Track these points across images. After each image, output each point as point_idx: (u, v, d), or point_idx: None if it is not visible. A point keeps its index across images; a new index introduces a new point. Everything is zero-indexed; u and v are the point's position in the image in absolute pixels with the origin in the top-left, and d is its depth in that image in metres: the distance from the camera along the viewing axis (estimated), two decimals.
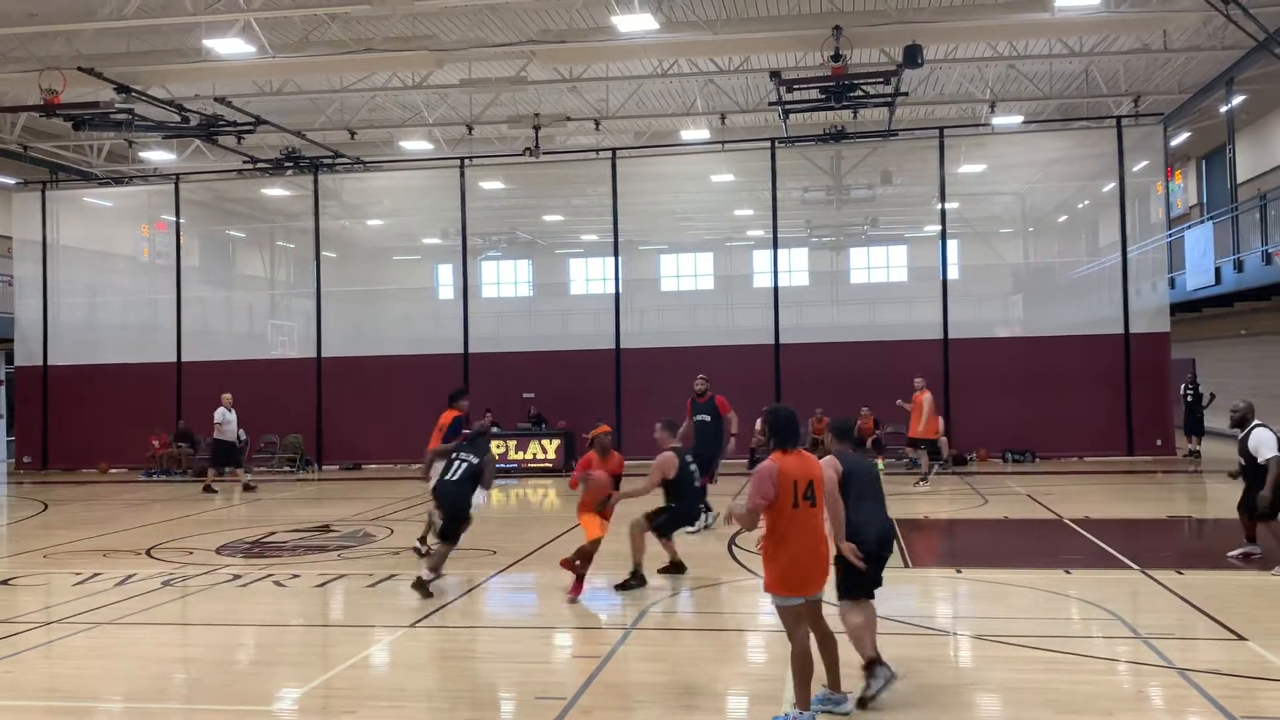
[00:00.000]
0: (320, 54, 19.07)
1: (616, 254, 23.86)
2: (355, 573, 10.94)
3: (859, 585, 6.61)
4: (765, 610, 9.39)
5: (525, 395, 23.11)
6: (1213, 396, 21.78)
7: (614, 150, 23.94)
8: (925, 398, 17.75)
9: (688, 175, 25.44)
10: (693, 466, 10.58)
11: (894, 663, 7.31)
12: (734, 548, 12.00)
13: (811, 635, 6.14)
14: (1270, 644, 7.42)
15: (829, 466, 6.44)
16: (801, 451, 6.12)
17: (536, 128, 23.54)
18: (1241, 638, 7.68)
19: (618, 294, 23.70)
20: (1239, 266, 21.14)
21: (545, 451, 21.69)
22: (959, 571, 10.60)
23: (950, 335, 22.20)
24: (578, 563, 9.76)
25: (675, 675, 7.13)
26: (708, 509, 13.09)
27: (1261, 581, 9.77)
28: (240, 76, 20.79)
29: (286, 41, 19.42)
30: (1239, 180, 24.00)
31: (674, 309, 26.53)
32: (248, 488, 19.05)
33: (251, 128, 21.75)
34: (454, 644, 8.40)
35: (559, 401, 22.60)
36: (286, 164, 24.50)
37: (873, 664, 6.46)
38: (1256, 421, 10.31)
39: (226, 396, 19.19)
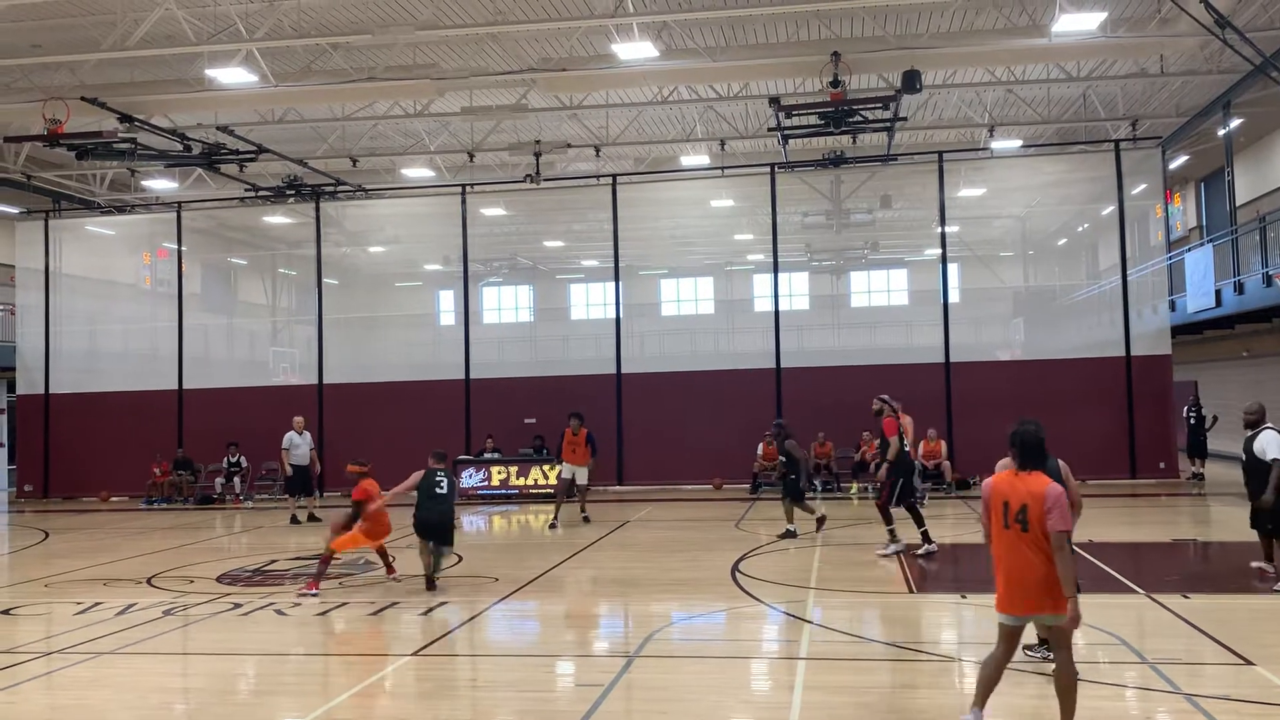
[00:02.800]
0: (322, 83, 19.20)
1: (617, 279, 23.90)
2: (357, 601, 10.89)
3: None
4: (769, 638, 9.36)
5: (526, 420, 23.07)
6: (1215, 419, 21.74)
7: (614, 176, 24.04)
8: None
9: (688, 200, 25.54)
10: None
11: (901, 689, 7.27)
12: (737, 573, 11.95)
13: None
14: (1278, 669, 7.37)
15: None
16: (1034, 474, 5.90)
17: (537, 154, 23.67)
18: (1249, 662, 7.63)
19: (618, 319, 23.73)
20: (1239, 289, 21.17)
21: (547, 477, 21.61)
22: (963, 597, 10.55)
23: (951, 359, 22.20)
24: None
25: (678, 704, 7.09)
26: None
27: (1270, 605, 9.72)
28: (242, 105, 20.93)
29: (288, 70, 19.56)
30: (1238, 202, 24.10)
31: (675, 333, 26.56)
32: (312, 517, 18.40)
33: (253, 156, 21.86)
34: (456, 672, 8.35)
35: (560, 426, 22.51)
36: (288, 192, 24.60)
37: None
38: (1268, 424, 10.38)
39: (298, 420, 18.77)
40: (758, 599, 10.53)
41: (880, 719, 6.62)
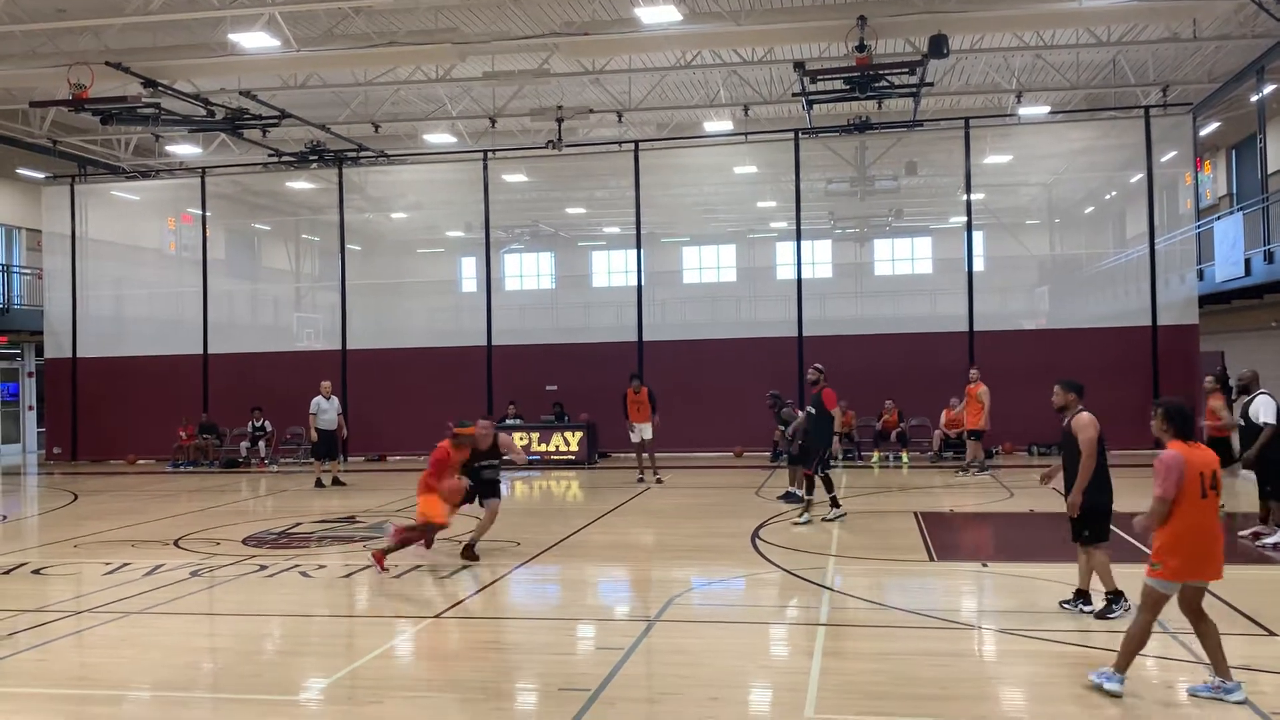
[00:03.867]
0: (344, 48, 19.14)
1: (639, 246, 23.83)
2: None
3: (1105, 531, 8.14)
4: (788, 604, 9.40)
5: (548, 387, 23.15)
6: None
7: (636, 142, 23.90)
8: (981, 390, 17.97)
9: (710, 167, 25.38)
10: None
11: (920, 656, 7.30)
12: (757, 540, 11.99)
13: (1192, 622, 6.44)
14: None
15: (1092, 426, 8.05)
16: (1198, 444, 6.43)
17: (559, 120, 23.54)
18: (1272, 633, 7.60)
19: (640, 286, 23.69)
20: (1269, 258, 20.85)
21: (568, 444, 21.72)
22: (985, 565, 10.54)
23: (976, 328, 22.04)
24: (410, 533, 10.74)
25: (698, 668, 7.13)
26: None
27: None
28: (265, 70, 20.91)
29: (311, 35, 19.50)
30: (1270, 170, 23.65)
31: (696, 301, 26.52)
32: (337, 481, 18.62)
33: (276, 121, 21.88)
34: (478, 635, 8.44)
35: (581, 394, 22.62)
36: (311, 157, 24.63)
37: (1117, 594, 8.04)
38: (1262, 389, 10.94)
39: (325, 384, 18.93)
40: (778, 565, 10.56)
41: (899, 686, 6.64)
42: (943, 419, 21.00)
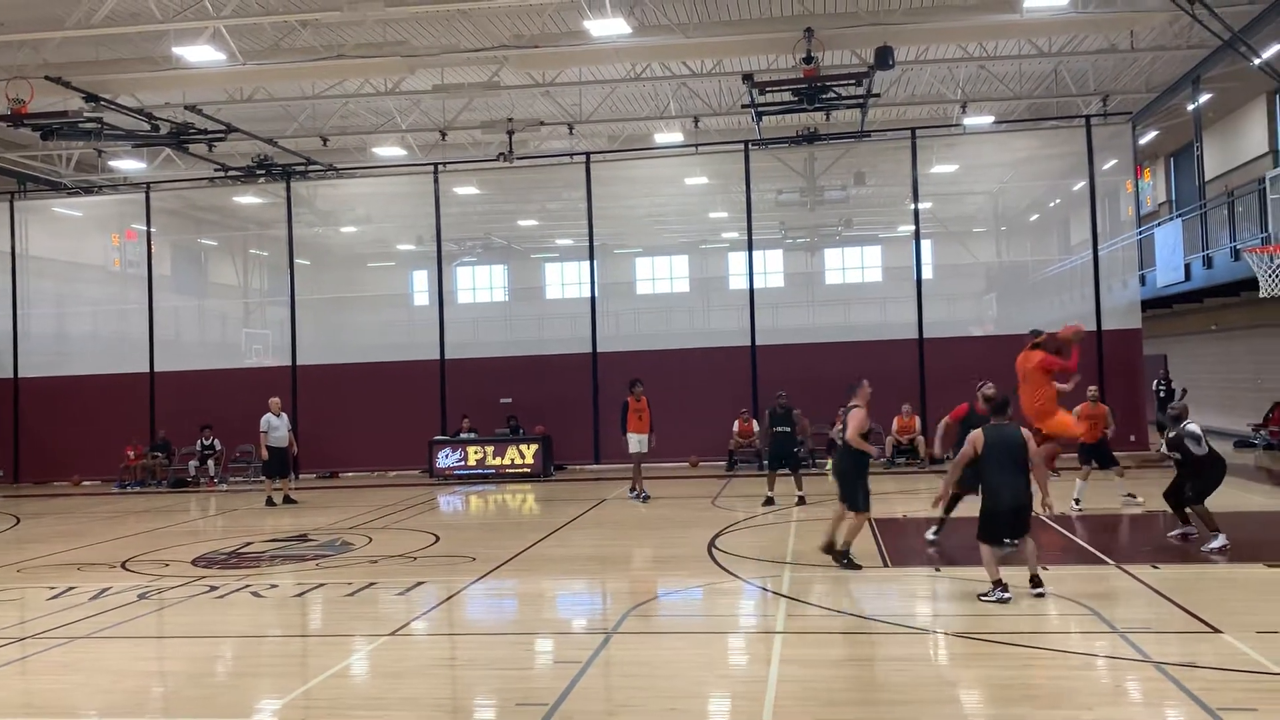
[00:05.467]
0: (291, 61, 18.97)
1: (592, 258, 23.85)
2: (334, 582, 10.87)
3: (991, 532, 8.95)
4: (746, 613, 9.43)
5: (502, 400, 23.05)
6: (1185, 391, 22.02)
7: (588, 154, 23.94)
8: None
9: (662, 178, 25.47)
10: None
11: (878, 661, 7.36)
12: (714, 550, 12.02)
13: None
14: (1244, 636, 7.51)
15: (970, 441, 9.02)
16: None
17: (510, 132, 23.51)
18: (1216, 630, 7.76)
19: (594, 297, 23.70)
20: (1208, 263, 21.38)
21: (523, 457, 21.64)
22: (937, 570, 10.66)
23: (925, 335, 22.32)
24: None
25: (657, 680, 7.13)
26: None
27: (1234, 574, 9.89)
28: (210, 84, 20.66)
29: (257, 48, 19.30)
30: (1207, 177, 24.28)
31: (650, 312, 26.56)
32: (288, 499, 18.31)
33: (222, 135, 21.60)
34: (434, 652, 8.36)
35: (536, 406, 22.56)
36: (258, 171, 24.34)
37: (998, 583, 8.83)
38: (1189, 421, 11.28)
39: (275, 401, 18.61)
40: (734, 574, 10.60)
41: (857, 693, 6.70)
42: (894, 425, 21.21)
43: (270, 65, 18.98)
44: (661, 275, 30.91)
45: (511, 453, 21.69)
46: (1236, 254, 19.40)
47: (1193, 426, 11.24)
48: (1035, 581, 8.97)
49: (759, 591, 9.93)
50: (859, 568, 10.37)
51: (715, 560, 11.42)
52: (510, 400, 22.96)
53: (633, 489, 17.37)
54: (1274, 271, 15.58)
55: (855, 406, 10.86)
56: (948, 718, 6.24)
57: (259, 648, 8.55)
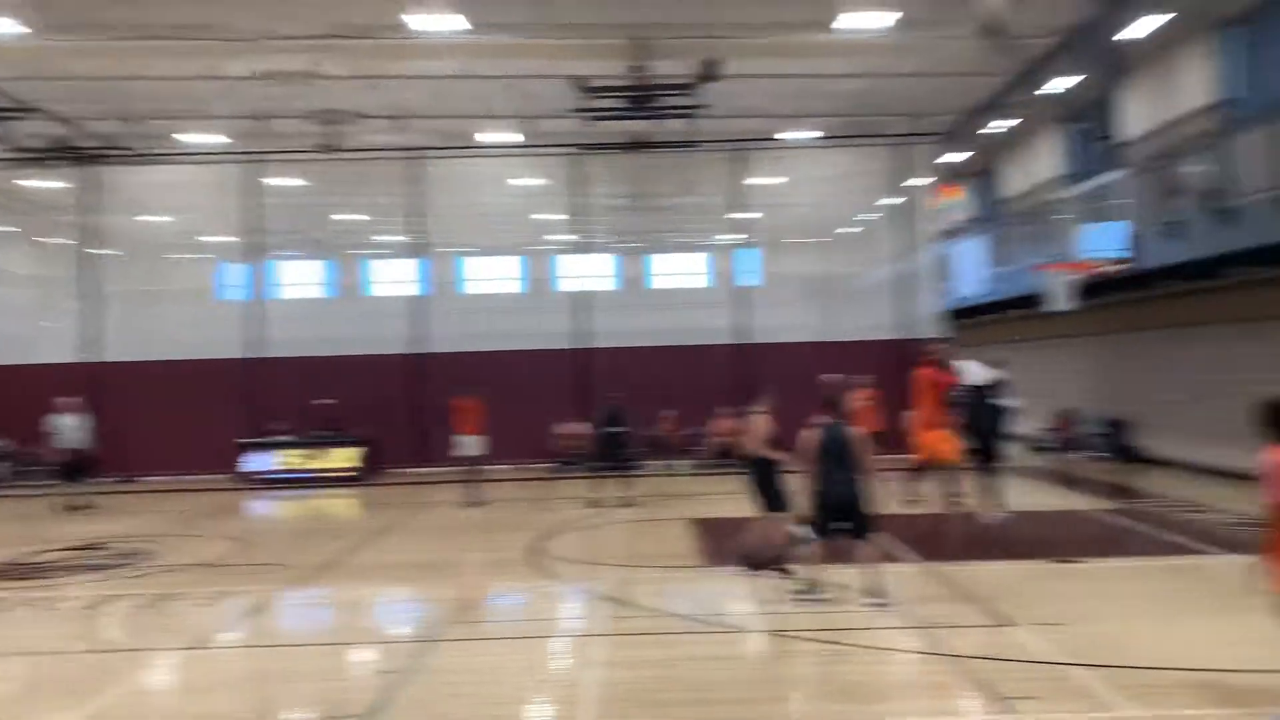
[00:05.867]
0: (97, 38, 17.77)
1: (420, 256, 23.39)
2: (129, 593, 10.22)
3: (819, 527, 9.02)
4: (570, 616, 9.43)
5: (323, 402, 22.26)
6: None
7: (417, 150, 23.45)
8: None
9: (493, 178, 25.21)
10: None
11: (699, 660, 7.50)
12: (539, 553, 11.97)
13: None
14: (1032, 628, 8.04)
15: (806, 438, 9.12)
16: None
17: (333, 124, 22.74)
18: (1008, 623, 8.27)
19: (422, 296, 23.23)
20: (1005, 278, 22.85)
21: (344, 460, 20.98)
22: (755, 570, 10.95)
23: (751, 340, 22.98)
24: None
25: (480, 687, 7.04)
26: None
27: (1029, 569, 10.56)
28: (6, 59, 19.08)
29: (61, 23, 17.96)
30: (1005, 197, 25.98)
31: (479, 313, 26.20)
32: (81, 506, 16.97)
33: (18, 115, 20.04)
34: (239, 665, 7.99)
35: (359, 408, 21.90)
36: (58, 154, 22.67)
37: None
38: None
39: (64, 401, 17.45)
40: (559, 578, 10.59)
41: (682, 692, 6.79)
42: (717, 428, 21.70)
43: (75, 41, 17.73)
44: (492, 276, 30.57)
45: (332, 456, 20.99)
46: (1030, 270, 20.79)
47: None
48: (874, 590, 8.91)
49: (584, 595, 9.96)
50: (790, 574, 9.80)
51: (541, 564, 11.38)
52: (332, 402, 22.21)
53: (467, 494, 16.87)
54: (1061, 287, 16.77)
55: (758, 412, 10.80)
56: (762, 715, 6.40)
57: (50, 664, 7.95)
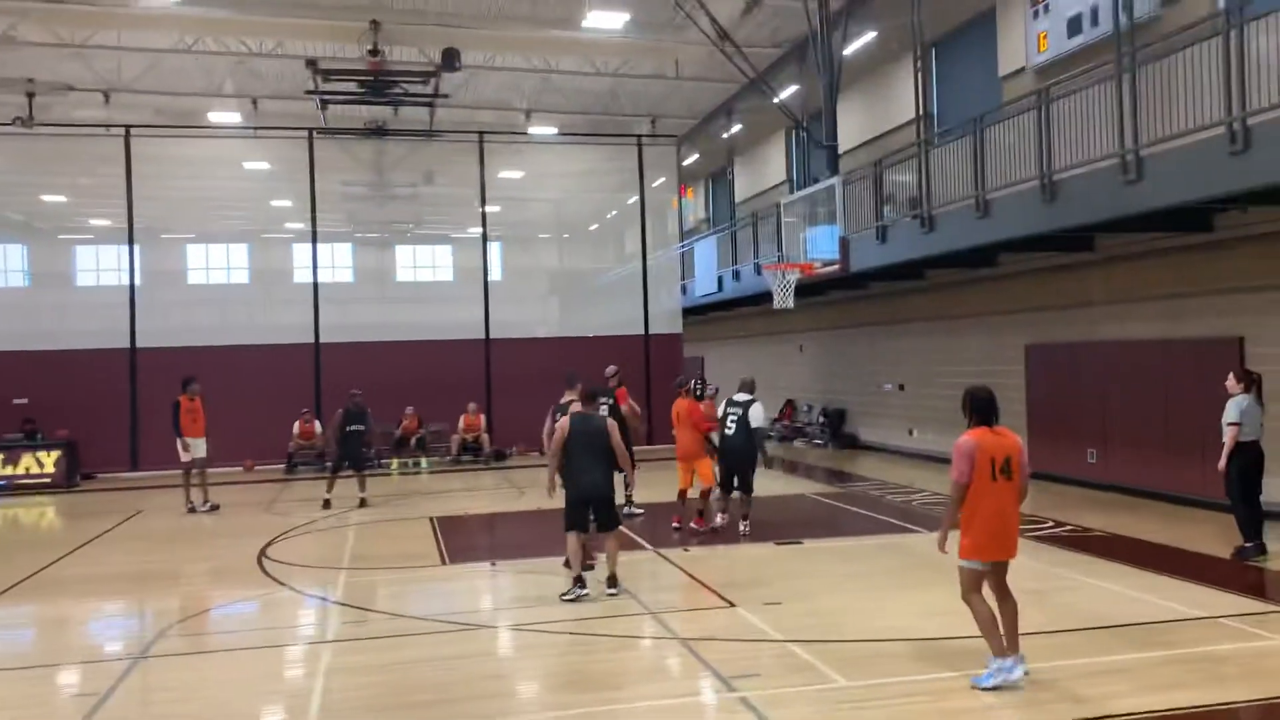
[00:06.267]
0: None
1: (131, 241, 21.65)
2: None
3: (572, 520, 9.09)
4: (297, 624, 9.02)
5: (16, 401, 20.15)
6: (716, 390, 24.46)
7: (128, 127, 21.66)
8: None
9: (218, 160, 23.68)
10: None
11: (426, 661, 7.37)
12: (266, 559, 11.39)
13: (992, 598, 6.46)
14: (754, 609, 8.48)
15: (559, 428, 9.17)
16: (1002, 429, 6.44)
17: (30, 95, 20.63)
18: (733, 605, 8.69)
19: (133, 286, 21.53)
20: (737, 276, 23.98)
21: (42, 465, 19.09)
22: (494, 565, 10.93)
23: (492, 335, 22.86)
24: None
25: (189, 703, 6.60)
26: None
27: (754, 553, 11.13)
28: None
29: None
30: (737, 199, 27.27)
31: (203, 304, 24.56)
32: None
33: None
34: None
35: (59, 408, 19.99)
36: None
37: (580, 579, 8.96)
38: (754, 396, 12.34)
39: None
40: (286, 583, 10.12)
41: (401, 695, 6.63)
42: (461, 424, 21.49)
43: None
44: (217, 265, 28.70)
45: (28, 461, 19.05)
46: (758, 269, 21.93)
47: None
48: (612, 581, 9.08)
49: (313, 600, 9.56)
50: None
51: (267, 570, 10.82)
52: (26, 401, 20.14)
53: (189, 500, 15.52)
54: (784, 286, 17.80)
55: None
56: (494, 711, 6.38)
57: None
